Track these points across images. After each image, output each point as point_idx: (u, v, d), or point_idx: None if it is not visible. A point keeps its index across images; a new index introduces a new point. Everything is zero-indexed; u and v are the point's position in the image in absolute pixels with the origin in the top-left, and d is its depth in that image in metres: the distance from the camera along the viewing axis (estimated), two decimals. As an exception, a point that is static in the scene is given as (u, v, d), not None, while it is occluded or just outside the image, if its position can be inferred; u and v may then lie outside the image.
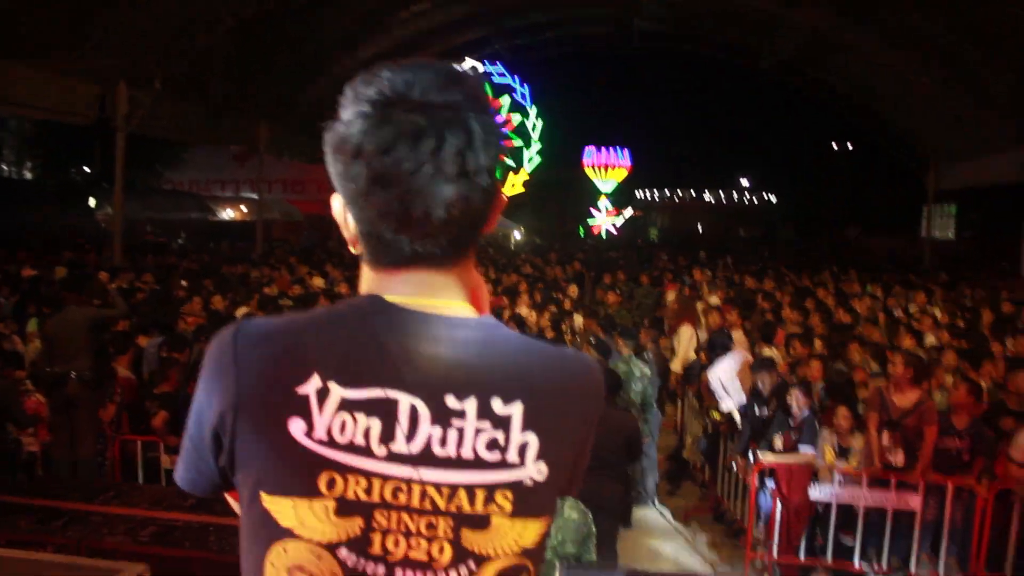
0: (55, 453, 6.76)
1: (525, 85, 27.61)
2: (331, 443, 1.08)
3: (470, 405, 1.10)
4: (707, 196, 63.14)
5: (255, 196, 22.31)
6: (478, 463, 1.10)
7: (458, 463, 1.09)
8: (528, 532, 1.13)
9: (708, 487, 8.11)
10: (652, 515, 7.66)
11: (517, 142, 27.26)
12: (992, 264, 23.05)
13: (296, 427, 1.08)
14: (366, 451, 1.08)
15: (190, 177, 29.33)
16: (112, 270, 12.13)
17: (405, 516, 1.08)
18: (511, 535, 1.12)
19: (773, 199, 59.55)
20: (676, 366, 9.66)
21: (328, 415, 1.08)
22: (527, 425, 1.11)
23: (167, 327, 8.39)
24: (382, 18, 18.22)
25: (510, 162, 26.98)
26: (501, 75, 27.30)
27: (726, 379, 7.54)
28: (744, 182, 62.43)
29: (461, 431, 1.09)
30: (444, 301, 1.15)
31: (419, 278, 1.14)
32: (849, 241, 41.52)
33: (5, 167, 31.38)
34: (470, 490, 1.09)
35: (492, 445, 1.10)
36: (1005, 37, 13.43)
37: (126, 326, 8.30)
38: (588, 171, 33.11)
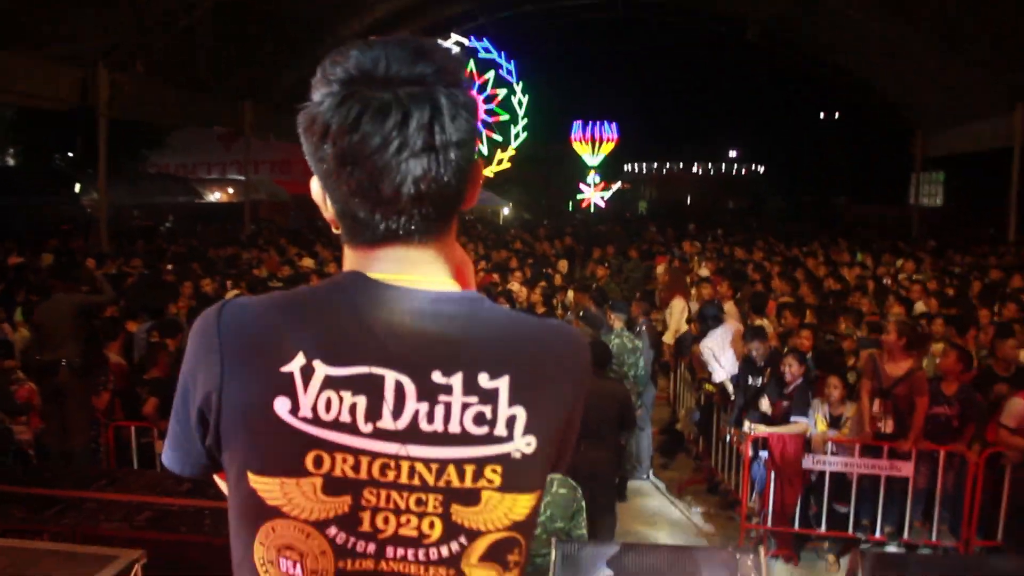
0: (48, 441, 6.74)
1: (511, 61, 27.44)
2: (317, 421, 1.07)
3: (456, 380, 1.09)
4: (695, 168, 63.13)
5: (242, 178, 22.18)
6: (466, 438, 1.09)
7: (445, 438, 1.09)
8: (519, 506, 1.13)
9: (702, 459, 8.15)
10: (647, 488, 7.70)
11: (504, 116, 27.12)
12: (980, 230, 23.14)
13: (281, 406, 1.07)
14: (352, 428, 1.07)
15: (176, 160, 29.17)
16: (99, 256, 12.05)
17: (394, 493, 1.08)
18: (501, 509, 1.12)
19: (761, 170, 59.57)
20: (669, 338, 9.68)
21: (313, 393, 1.07)
22: (514, 399, 1.11)
23: (157, 312, 8.35)
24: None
25: (497, 136, 26.90)
26: (487, 51, 27.12)
27: (718, 350, 7.55)
28: (732, 153, 62.42)
29: (448, 406, 1.09)
30: (426, 276, 1.14)
31: (399, 254, 1.13)
32: (838, 210, 41.61)
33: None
34: (459, 465, 1.09)
35: (480, 419, 1.09)
36: (991, 2, 13.39)
37: (115, 312, 8.26)
38: (576, 145, 33.03)
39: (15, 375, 6.87)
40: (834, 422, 6.33)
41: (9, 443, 6.35)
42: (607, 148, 32.70)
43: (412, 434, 1.08)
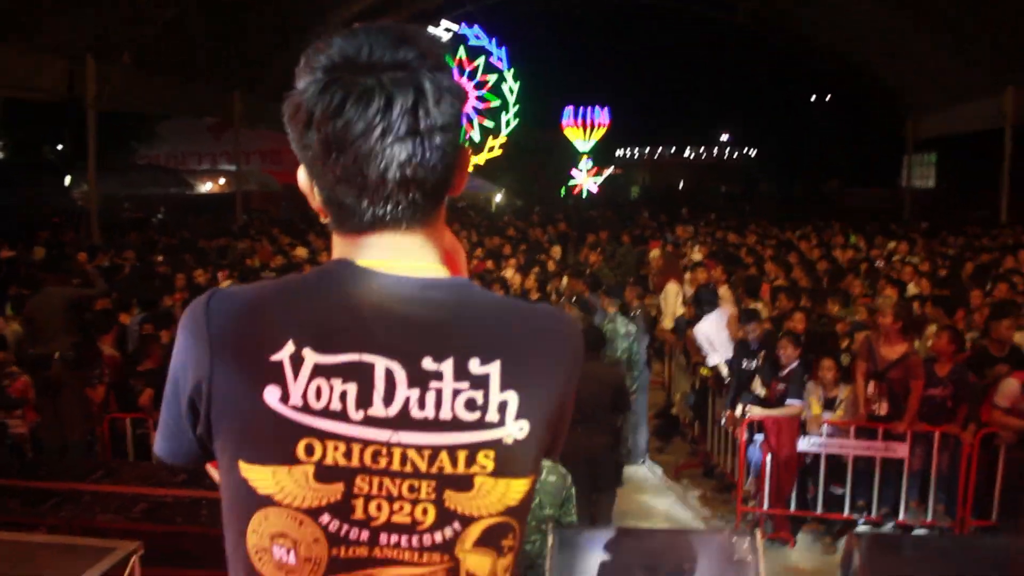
0: (43, 435, 6.72)
1: (502, 47, 27.31)
2: (307, 409, 1.07)
3: (447, 366, 1.09)
4: (687, 152, 63.04)
5: (233, 168, 22.06)
6: (457, 424, 1.09)
7: (437, 425, 1.09)
8: (512, 491, 1.13)
9: (698, 443, 8.18)
10: (643, 473, 7.72)
11: (495, 102, 27.01)
12: (973, 212, 23.17)
13: (271, 394, 1.07)
14: (343, 416, 1.07)
15: (166, 151, 28.99)
16: (91, 249, 12.00)
17: (387, 480, 1.08)
18: (495, 494, 1.12)
19: (753, 154, 59.51)
20: (668, 323, 9.66)
21: (303, 381, 1.07)
22: (506, 384, 1.11)
23: (150, 303, 8.33)
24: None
25: (489, 123, 26.80)
26: (477, 37, 26.99)
27: (712, 334, 7.57)
28: (724, 137, 62.34)
29: (439, 392, 1.09)
30: (415, 263, 1.14)
31: (387, 241, 1.13)
32: (830, 193, 41.63)
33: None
34: (451, 451, 1.09)
35: (471, 405, 1.09)
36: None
37: (108, 304, 8.23)
38: (567, 131, 32.94)
39: (9, 368, 6.85)
40: (828, 404, 6.35)
41: (4, 437, 6.34)
42: (599, 133, 32.63)
43: (403, 421, 1.08)
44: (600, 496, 5.99)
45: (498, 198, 32.47)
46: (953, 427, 6.06)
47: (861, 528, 6.14)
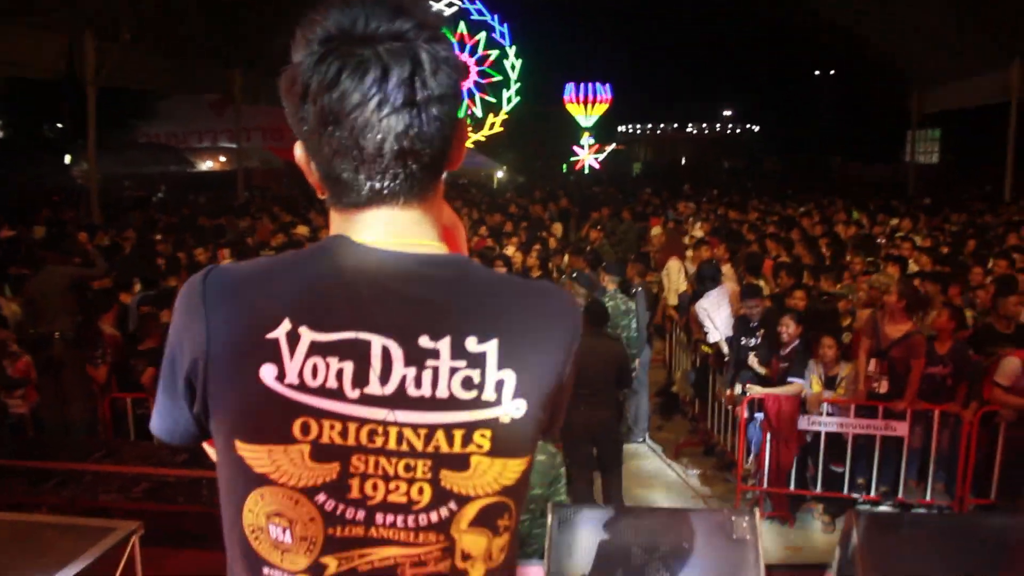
0: (45, 414, 6.74)
1: (504, 24, 27.08)
2: (303, 387, 1.07)
3: (444, 344, 1.09)
4: (690, 128, 62.76)
5: (234, 146, 21.97)
6: (454, 403, 1.09)
7: (433, 403, 1.08)
8: (508, 471, 1.13)
9: (698, 421, 8.19)
10: (643, 450, 7.74)
11: (497, 78, 26.82)
12: (977, 188, 23.08)
13: (267, 372, 1.07)
14: (339, 394, 1.07)
15: (166, 129, 28.85)
16: (90, 228, 11.98)
17: (383, 459, 1.08)
18: (491, 474, 1.11)
19: (756, 129, 59.24)
20: (672, 299, 9.63)
21: (299, 359, 1.07)
22: (503, 362, 1.10)
23: (151, 282, 8.31)
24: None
25: (491, 98, 26.62)
26: (480, 13, 26.76)
27: (713, 311, 7.55)
28: (727, 113, 62.01)
29: (436, 371, 1.08)
30: (413, 240, 1.13)
31: (385, 216, 1.12)
32: (834, 169, 41.47)
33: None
34: (448, 430, 1.09)
35: (468, 384, 1.09)
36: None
37: (109, 283, 8.22)
38: (569, 107, 32.73)
39: (10, 348, 6.86)
40: (829, 383, 6.34)
41: (5, 417, 6.35)
42: (601, 109, 32.44)
43: (400, 399, 1.08)
44: (608, 476, 6.02)
45: (500, 175, 32.35)
46: (953, 406, 6.05)
47: (860, 506, 6.15)
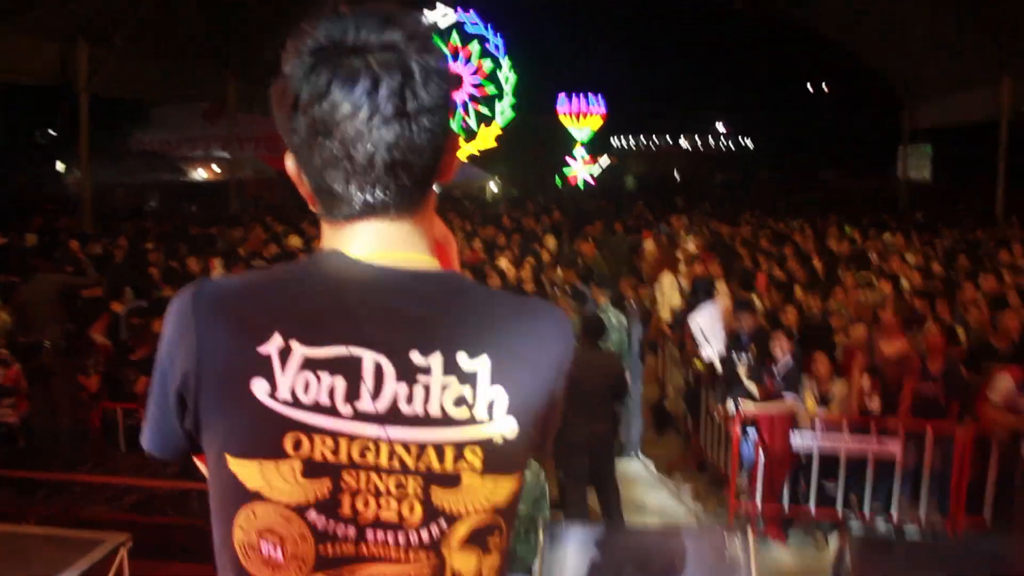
0: (35, 422, 6.70)
1: (499, 35, 27.13)
2: (295, 403, 1.06)
3: (435, 361, 1.08)
4: (683, 142, 62.90)
5: (227, 155, 21.95)
6: (446, 420, 1.08)
7: (425, 420, 1.07)
8: (500, 489, 1.12)
9: (691, 437, 8.17)
10: (635, 466, 7.72)
11: (490, 89, 26.85)
12: (968, 204, 23.18)
13: (259, 388, 1.06)
14: (331, 410, 1.06)
15: (160, 137, 28.77)
16: (82, 236, 11.94)
17: (374, 476, 1.07)
18: (482, 492, 1.10)
19: (750, 144, 59.44)
20: (665, 314, 9.64)
21: (291, 375, 1.06)
22: (495, 379, 1.10)
23: (143, 291, 8.29)
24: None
25: (485, 110, 26.66)
26: (474, 24, 26.82)
27: (706, 326, 7.55)
28: (720, 127, 62.21)
29: (427, 388, 1.07)
30: (405, 254, 1.13)
31: (376, 229, 1.12)
32: (826, 184, 41.61)
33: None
34: (439, 448, 1.08)
35: (459, 401, 1.08)
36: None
37: (100, 292, 8.19)
38: (563, 119, 32.80)
39: (1, 356, 6.82)
40: (822, 400, 6.34)
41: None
42: (594, 122, 32.52)
43: (391, 416, 1.07)
44: (605, 490, 6.01)
45: (493, 187, 32.37)
46: (946, 424, 6.05)
47: (853, 524, 6.14)
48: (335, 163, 1.07)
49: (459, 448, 1.08)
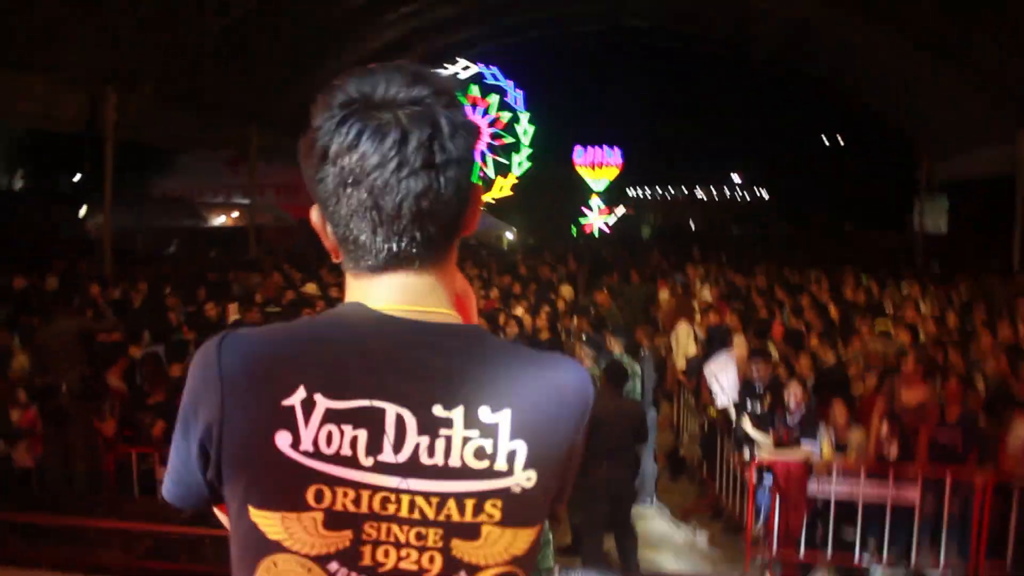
0: (49, 464, 6.70)
1: (519, 90, 27.44)
2: (318, 455, 1.07)
3: (457, 414, 1.09)
4: (699, 193, 63.15)
5: (247, 201, 22.17)
6: (466, 472, 1.09)
7: (446, 472, 1.08)
8: (519, 540, 1.12)
9: (706, 484, 8.09)
10: (651, 512, 7.65)
11: (508, 139, 27.11)
12: (985, 257, 23.05)
13: (282, 440, 1.07)
14: (353, 462, 1.07)
15: (181, 184, 29.19)
16: (102, 280, 12.04)
17: (395, 527, 1.08)
18: (501, 544, 1.11)
19: (765, 195, 59.60)
20: (681, 362, 9.62)
21: (314, 427, 1.07)
22: (515, 433, 1.11)
23: (161, 335, 8.33)
24: (372, 18, 18.18)
25: (503, 159, 26.89)
26: (495, 78, 27.16)
27: (720, 373, 7.53)
28: (736, 178, 62.46)
29: (448, 440, 1.08)
30: (428, 308, 1.14)
31: (400, 282, 1.14)
32: (842, 236, 41.53)
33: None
34: (459, 499, 1.09)
35: (480, 454, 1.09)
36: (995, 28, 13.44)
37: (118, 336, 8.23)
38: (580, 169, 33.05)
39: (20, 398, 6.85)
40: (839, 447, 6.28)
41: (9, 470, 6.32)
42: (611, 173, 32.75)
43: (413, 468, 1.08)
44: (623, 537, 5.98)
45: (510, 236, 32.52)
46: (964, 471, 5.98)
47: (873, 570, 6.05)
48: (362, 213, 1.09)
49: (480, 500, 1.09)
